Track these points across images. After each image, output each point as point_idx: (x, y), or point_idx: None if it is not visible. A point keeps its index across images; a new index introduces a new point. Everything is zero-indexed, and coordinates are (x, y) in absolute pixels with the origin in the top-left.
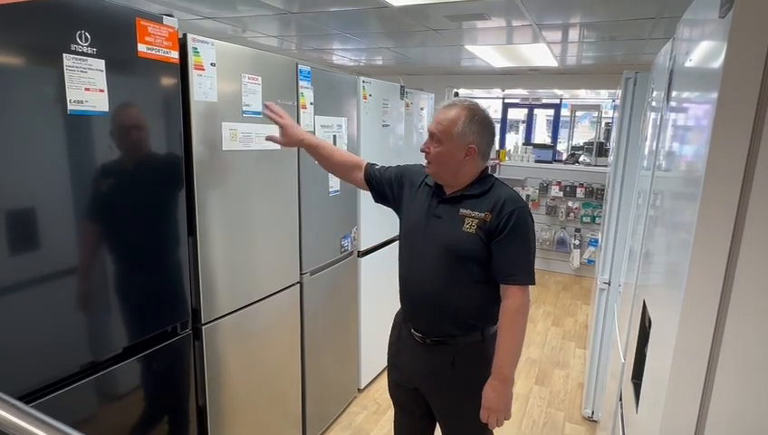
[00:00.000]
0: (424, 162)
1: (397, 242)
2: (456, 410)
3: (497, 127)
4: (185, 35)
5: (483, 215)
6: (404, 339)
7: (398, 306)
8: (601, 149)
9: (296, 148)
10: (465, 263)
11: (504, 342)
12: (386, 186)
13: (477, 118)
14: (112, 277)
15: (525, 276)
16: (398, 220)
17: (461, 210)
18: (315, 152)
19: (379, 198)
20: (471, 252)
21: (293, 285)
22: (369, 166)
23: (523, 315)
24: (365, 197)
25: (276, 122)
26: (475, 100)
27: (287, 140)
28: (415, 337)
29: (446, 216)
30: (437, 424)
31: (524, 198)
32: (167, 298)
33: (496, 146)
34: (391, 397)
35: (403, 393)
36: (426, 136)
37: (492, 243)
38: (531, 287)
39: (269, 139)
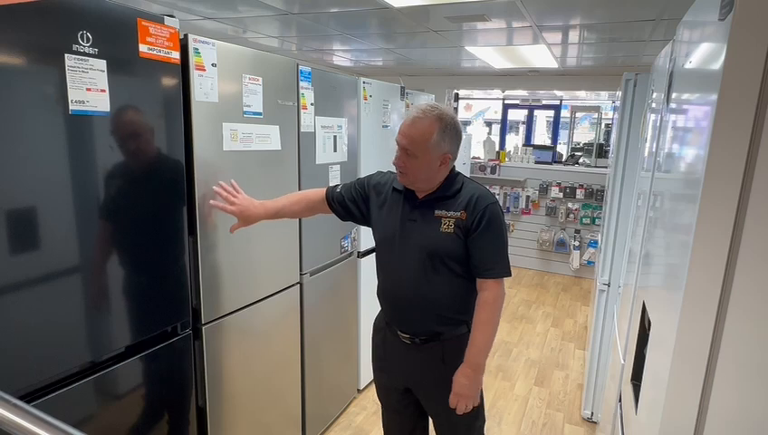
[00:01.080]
0: (397, 173)
1: None
2: (449, 406)
3: (497, 128)
4: (186, 36)
5: (458, 214)
6: (390, 342)
7: None
8: (601, 151)
9: (296, 150)
10: (445, 262)
11: (478, 332)
12: (349, 203)
13: (449, 127)
14: (113, 277)
15: (501, 269)
16: None
17: (436, 211)
18: (281, 215)
19: (346, 215)
20: (450, 251)
21: (293, 285)
22: (330, 190)
23: (499, 306)
24: None
25: (228, 212)
26: (470, 101)
27: (245, 223)
28: (402, 338)
29: (421, 219)
30: (429, 421)
31: (524, 199)
32: (167, 298)
33: (495, 140)
34: (380, 400)
35: (393, 395)
36: None
37: (468, 239)
38: (516, 281)
39: (232, 229)
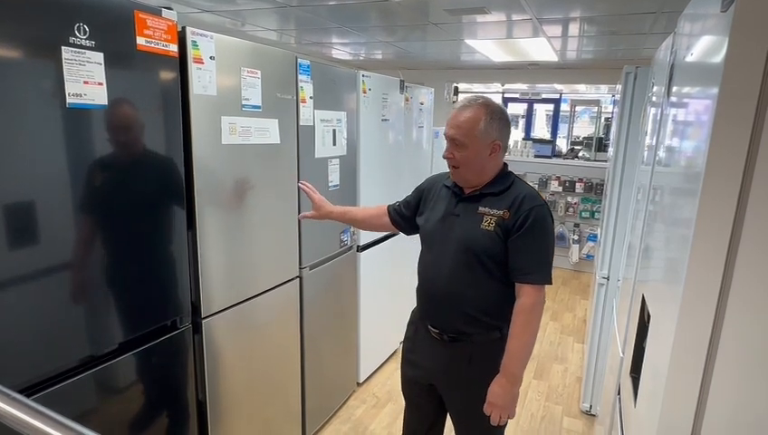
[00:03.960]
0: (429, 163)
1: (396, 237)
2: (471, 407)
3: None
4: (184, 28)
5: (501, 212)
6: (421, 335)
7: (398, 300)
8: (601, 145)
9: (295, 144)
10: (482, 261)
11: (514, 340)
12: (405, 210)
13: (496, 114)
14: (111, 271)
15: (541, 275)
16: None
17: (480, 208)
18: (346, 219)
19: (411, 230)
20: (488, 250)
21: (293, 279)
22: (391, 208)
23: (537, 315)
24: (364, 191)
25: (311, 198)
26: (469, 94)
27: (318, 214)
28: (432, 333)
29: (464, 214)
30: (447, 421)
31: None
32: (166, 292)
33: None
34: (403, 393)
35: (416, 389)
36: (426, 132)
37: (508, 240)
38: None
39: (302, 217)
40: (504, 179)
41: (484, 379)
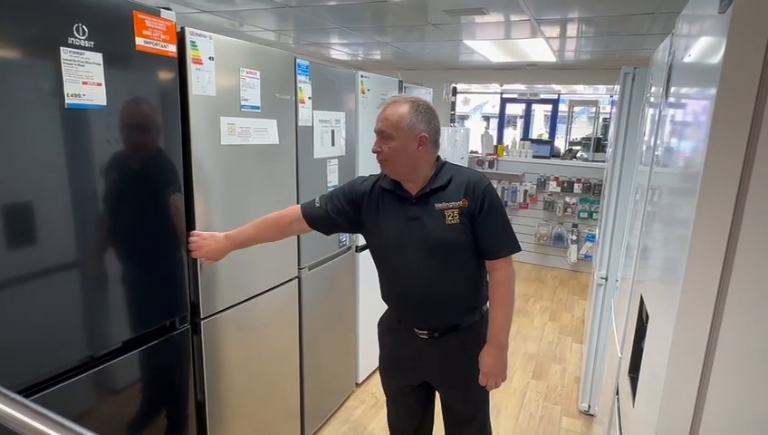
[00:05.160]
0: (380, 164)
1: None
2: (468, 390)
3: (495, 122)
4: (183, 29)
5: (460, 202)
6: (406, 341)
7: None
8: (599, 145)
9: (294, 144)
10: (455, 253)
11: (498, 311)
12: (335, 216)
13: (422, 108)
14: (110, 271)
15: (510, 247)
16: None
17: (436, 205)
18: (250, 244)
19: (332, 229)
20: (460, 242)
21: (292, 279)
22: (306, 208)
23: (512, 284)
24: None
25: (193, 256)
26: (468, 95)
27: (215, 260)
28: (420, 336)
29: (423, 215)
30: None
31: (522, 193)
32: (165, 293)
33: (493, 135)
34: (391, 400)
35: (407, 391)
36: None
37: (474, 225)
38: (524, 274)
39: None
40: (444, 171)
41: (474, 359)
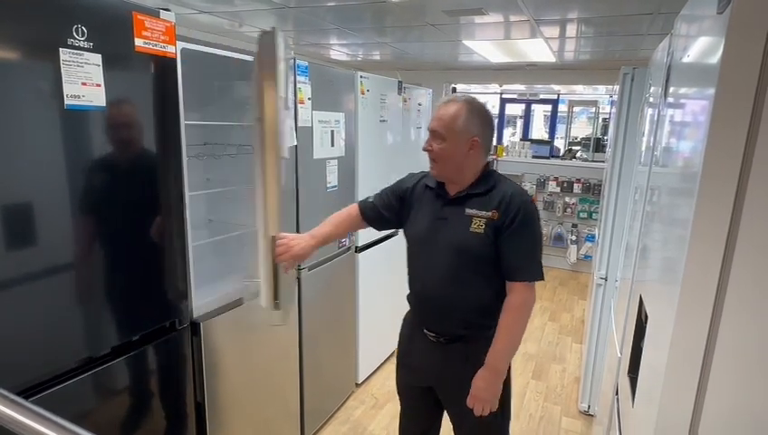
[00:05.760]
0: (428, 162)
1: (394, 238)
2: (467, 406)
3: (495, 122)
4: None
5: (490, 213)
6: (416, 339)
7: (396, 301)
8: (599, 145)
9: (294, 146)
10: (474, 263)
11: (502, 336)
12: (383, 211)
13: (477, 111)
14: (109, 273)
15: (531, 273)
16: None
17: (467, 210)
18: (330, 240)
19: (382, 225)
20: (480, 252)
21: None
22: (361, 205)
23: (525, 312)
24: (363, 192)
25: (286, 266)
26: (473, 94)
27: (301, 258)
28: (428, 337)
29: (452, 217)
30: (446, 424)
31: None
32: (165, 293)
33: (494, 141)
34: (400, 398)
35: (414, 393)
36: (424, 132)
37: (498, 239)
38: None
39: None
40: (488, 179)
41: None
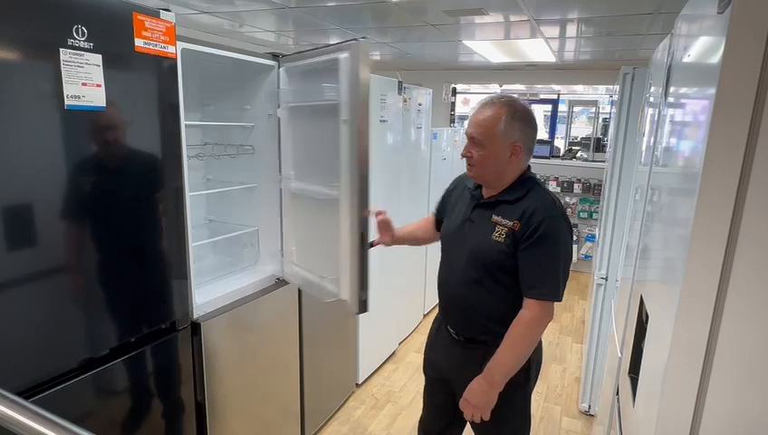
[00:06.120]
0: (465, 167)
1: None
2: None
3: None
4: None
5: (512, 223)
6: (441, 333)
7: (397, 302)
8: (599, 145)
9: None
10: (492, 272)
11: (505, 349)
12: (438, 215)
13: (518, 113)
14: (110, 273)
15: (545, 291)
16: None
17: (493, 216)
18: (414, 238)
19: None
20: (498, 262)
21: None
22: (436, 216)
23: (534, 330)
24: None
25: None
26: (468, 95)
27: (388, 244)
28: (451, 333)
29: (478, 220)
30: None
31: None
32: (165, 294)
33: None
34: (424, 390)
35: (437, 386)
36: (424, 133)
37: (517, 252)
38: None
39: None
40: (522, 186)
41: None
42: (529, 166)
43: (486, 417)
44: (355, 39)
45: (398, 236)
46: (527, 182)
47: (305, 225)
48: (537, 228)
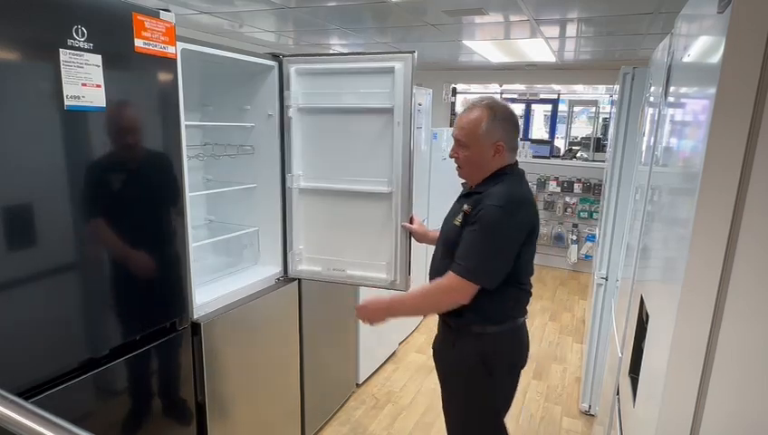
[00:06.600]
0: (455, 167)
1: None
2: (445, 388)
3: (519, 120)
4: None
5: (467, 208)
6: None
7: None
8: (599, 145)
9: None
10: (453, 254)
11: (411, 295)
12: None
13: (499, 114)
14: (110, 273)
15: (464, 266)
16: None
17: (465, 206)
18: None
19: None
20: (456, 243)
21: (292, 280)
22: None
23: (439, 296)
24: None
25: (414, 233)
26: (468, 95)
27: (417, 239)
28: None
29: (453, 210)
30: None
31: None
32: (165, 294)
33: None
34: None
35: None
36: (425, 133)
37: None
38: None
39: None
40: (494, 178)
41: (461, 369)
42: (516, 162)
43: (371, 324)
44: (410, 52)
45: (431, 237)
46: (500, 175)
47: (326, 220)
48: (478, 212)
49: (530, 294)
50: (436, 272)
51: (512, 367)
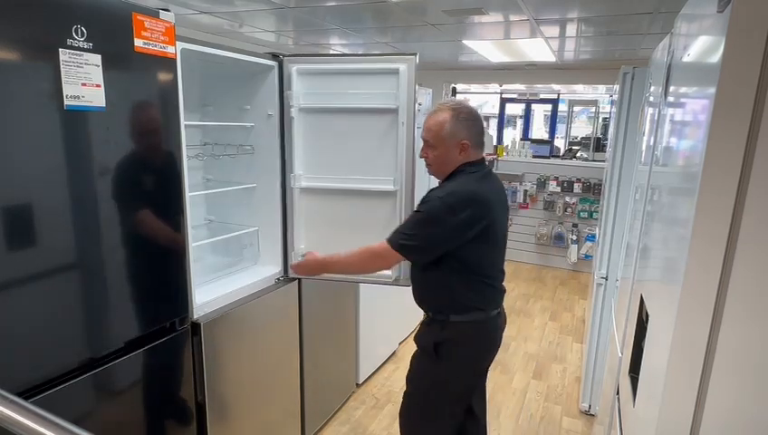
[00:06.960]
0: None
1: None
2: (409, 372)
3: (495, 122)
4: None
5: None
6: None
7: (397, 302)
8: (599, 145)
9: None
10: None
11: (343, 255)
12: None
13: (462, 115)
14: (110, 273)
15: (392, 237)
16: None
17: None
18: None
19: None
20: None
21: (292, 280)
22: None
23: (368, 257)
24: None
25: None
26: (468, 95)
27: None
28: None
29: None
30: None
31: (522, 193)
32: (165, 293)
33: (493, 135)
34: None
35: None
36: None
37: None
38: (514, 276)
39: None
40: (452, 175)
41: (418, 350)
42: (482, 158)
43: (301, 273)
44: (413, 54)
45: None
46: (457, 173)
47: (328, 219)
48: (423, 201)
49: (498, 290)
50: (411, 270)
51: (467, 358)
